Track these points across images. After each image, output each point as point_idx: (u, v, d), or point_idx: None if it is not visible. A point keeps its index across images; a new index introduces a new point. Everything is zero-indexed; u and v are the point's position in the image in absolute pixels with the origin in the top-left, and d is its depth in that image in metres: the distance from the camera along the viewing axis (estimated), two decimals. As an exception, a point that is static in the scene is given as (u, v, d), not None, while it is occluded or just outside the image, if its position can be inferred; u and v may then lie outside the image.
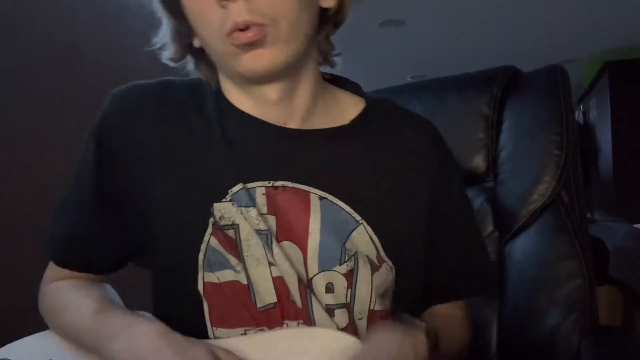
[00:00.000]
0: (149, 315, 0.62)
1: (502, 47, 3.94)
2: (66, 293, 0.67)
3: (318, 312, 0.62)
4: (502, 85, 1.02)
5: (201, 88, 0.70)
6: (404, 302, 0.69)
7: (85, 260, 0.70)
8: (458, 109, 1.04)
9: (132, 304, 0.67)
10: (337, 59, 0.71)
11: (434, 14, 3.37)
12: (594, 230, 1.37)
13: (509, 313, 0.93)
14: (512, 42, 3.86)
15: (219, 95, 0.69)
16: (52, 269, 0.71)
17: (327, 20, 0.66)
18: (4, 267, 1.09)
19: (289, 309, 0.62)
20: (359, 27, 3.58)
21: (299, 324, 0.62)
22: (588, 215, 1.01)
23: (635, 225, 1.83)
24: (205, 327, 0.63)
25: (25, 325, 0.69)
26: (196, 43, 0.66)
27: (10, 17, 1.18)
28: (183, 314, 0.65)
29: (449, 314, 0.75)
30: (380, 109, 0.73)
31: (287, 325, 0.62)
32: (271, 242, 0.62)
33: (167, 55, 0.69)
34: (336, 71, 0.74)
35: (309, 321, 0.62)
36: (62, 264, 0.69)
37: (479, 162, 1.02)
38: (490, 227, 1.00)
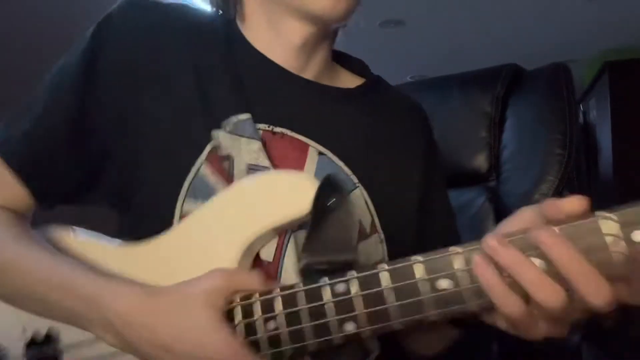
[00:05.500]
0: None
1: (502, 47, 3.94)
2: None
3: (288, 262, 0.56)
4: (505, 83, 1.02)
5: (221, 18, 0.67)
6: None
7: (39, 176, 0.61)
8: (460, 108, 1.04)
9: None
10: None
11: (434, 14, 3.37)
12: (595, 229, 1.36)
13: (510, 312, 0.93)
14: (512, 42, 3.86)
15: (235, 29, 0.66)
16: None
17: None
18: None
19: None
20: (359, 27, 3.57)
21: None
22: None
23: (636, 225, 1.82)
24: None
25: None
26: None
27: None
28: None
29: None
30: (378, 86, 0.73)
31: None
32: None
33: None
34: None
35: (277, 273, 0.56)
36: (16, 168, 0.60)
37: (481, 161, 1.02)
38: (492, 226, 0.99)
